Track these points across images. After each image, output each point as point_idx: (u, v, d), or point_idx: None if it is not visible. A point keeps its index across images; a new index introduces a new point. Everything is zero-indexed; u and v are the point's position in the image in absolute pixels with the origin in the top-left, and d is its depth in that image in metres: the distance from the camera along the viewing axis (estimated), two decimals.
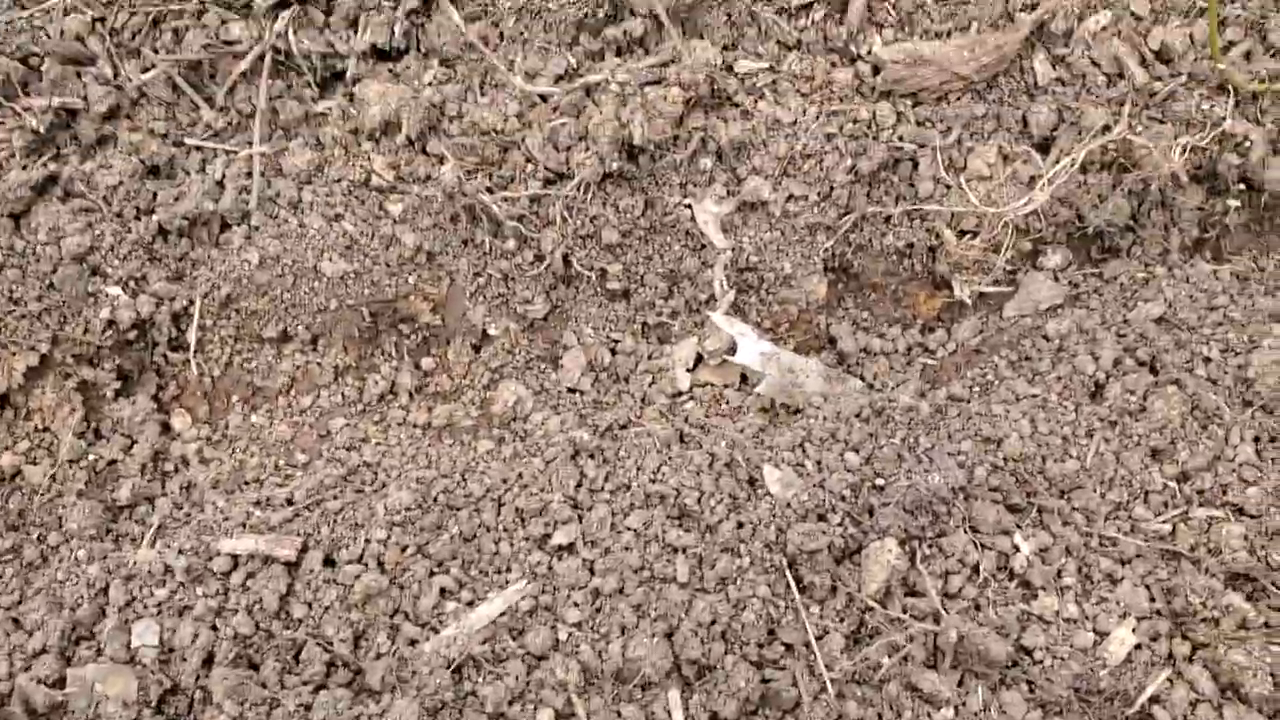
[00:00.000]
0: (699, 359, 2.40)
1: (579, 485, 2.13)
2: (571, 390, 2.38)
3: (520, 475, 2.13)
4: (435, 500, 2.11)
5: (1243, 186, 2.54)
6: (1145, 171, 2.38)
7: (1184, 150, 2.33)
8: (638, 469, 2.16)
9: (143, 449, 2.27)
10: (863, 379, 2.45)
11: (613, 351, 2.42)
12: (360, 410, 2.35)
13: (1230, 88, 2.49)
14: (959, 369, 2.42)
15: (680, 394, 2.37)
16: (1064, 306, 2.47)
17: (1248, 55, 2.53)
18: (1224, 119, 2.48)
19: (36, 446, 2.26)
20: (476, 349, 2.41)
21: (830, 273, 2.48)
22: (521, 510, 2.09)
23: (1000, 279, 2.51)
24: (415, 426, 2.33)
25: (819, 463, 2.15)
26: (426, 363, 2.41)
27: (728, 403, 2.35)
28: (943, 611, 2.00)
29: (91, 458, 2.25)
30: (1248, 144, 2.48)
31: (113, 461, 2.26)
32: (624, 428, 2.27)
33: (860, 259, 2.48)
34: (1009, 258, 2.48)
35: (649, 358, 2.40)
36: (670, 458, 2.17)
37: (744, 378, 2.40)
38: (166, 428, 2.33)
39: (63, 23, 2.37)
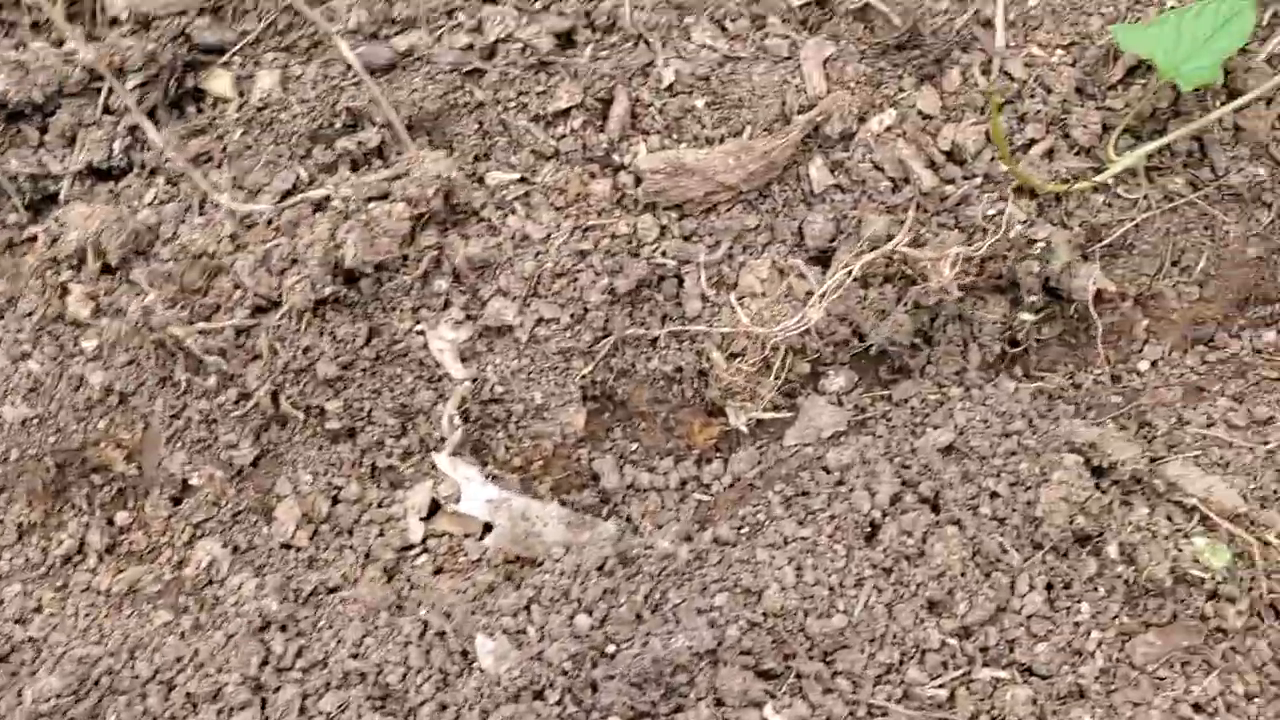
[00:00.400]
0: (436, 505, 2.15)
1: (264, 663, 1.87)
2: (285, 546, 2.12)
3: (197, 652, 1.87)
4: (95, 684, 1.84)
5: (1046, 296, 2.32)
6: (928, 284, 2.16)
7: (955, 263, 2.11)
8: (337, 642, 1.91)
9: None
10: (629, 519, 2.20)
11: (334, 500, 2.16)
12: (42, 574, 2.09)
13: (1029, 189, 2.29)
14: (732, 506, 2.18)
15: (411, 547, 2.11)
16: (849, 433, 2.23)
17: (1050, 153, 2.32)
18: (1023, 223, 2.27)
19: None
20: (177, 501, 2.16)
21: (591, 401, 2.24)
22: (193, 695, 1.82)
23: (780, 404, 2.27)
24: (98, 593, 2.06)
25: (543, 628, 1.89)
26: (121, 518, 2.15)
27: (465, 555, 2.09)
28: None
29: None
30: (1049, 249, 2.26)
31: None
32: (333, 591, 2.02)
33: (624, 385, 2.24)
34: (787, 380, 2.25)
35: (378, 505, 2.15)
36: (377, 628, 1.92)
37: (489, 525, 2.15)
38: None
39: None
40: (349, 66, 2.25)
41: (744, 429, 2.25)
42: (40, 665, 1.91)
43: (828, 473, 2.15)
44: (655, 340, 2.23)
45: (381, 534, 2.11)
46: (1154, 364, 2.40)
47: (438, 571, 2.06)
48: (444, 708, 1.80)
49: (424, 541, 2.11)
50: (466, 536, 2.12)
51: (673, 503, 2.22)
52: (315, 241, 2.05)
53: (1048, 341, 2.39)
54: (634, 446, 2.27)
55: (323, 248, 2.04)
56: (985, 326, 2.29)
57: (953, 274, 2.10)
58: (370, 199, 2.11)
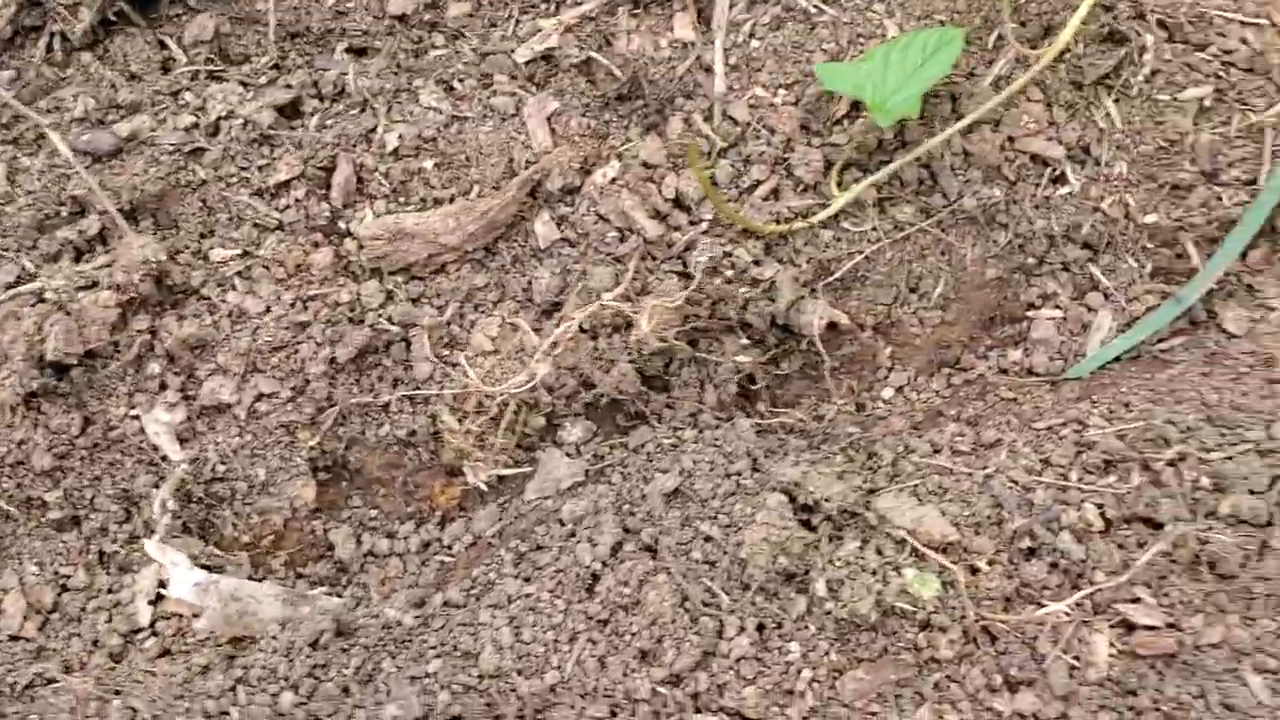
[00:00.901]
0: (164, 588, 2.15)
1: None
2: (14, 638, 2.12)
3: None
4: None
5: (781, 333, 2.35)
6: (643, 332, 2.18)
7: (651, 315, 2.13)
8: None
9: None
10: (366, 587, 2.20)
11: (63, 588, 2.16)
12: None
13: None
14: (469, 566, 2.19)
15: (139, 630, 2.12)
16: (587, 484, 2.25)
17: (775, 193, 2.35)
18: (750, 263, 2.30)
19: None
20: None
21: (324, 472, 2.25)
22: None
23: (520, 459, 2.29)
24: None
25: (246, 709, 1.89)
26: None
27: (193, 635, 2.10)
28: None
29: None
30: (775, 288, 2.29)
31: None
32: (49, 683, 2.02)
33: (357, 453, 2.26)
34: (525, 435, 2.27)
35: (107, 591, 2.15)
36: (86, 718, 1.92)
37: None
38: None
39: None
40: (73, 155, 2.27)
41: (484, 487, 2.26)
42: None
43: (562, 525, 2.16)
44: (386, 406, 2.24)
45: (110, 619, 2.11)
46: (899, 390, 2.43)
47: (163, 654, 2.07)
48: None
49: (152, 625, 2.11)
50: (195, 617, 2.12)
51: (415, 567, 2.23)
52: (19, 336, 2.06)
53: (790, 377, 2.41)
54: (373, 513, 2.28)
55: (26, 342, 2.06)
56: (720, 368, 2.31)
57: (651, 326, 2.12)
58: (81, 288, 2.13)
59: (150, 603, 2.11)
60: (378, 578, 2.20)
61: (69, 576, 2.16)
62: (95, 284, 2.13)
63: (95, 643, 2.09)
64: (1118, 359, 2.40)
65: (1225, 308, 2.40)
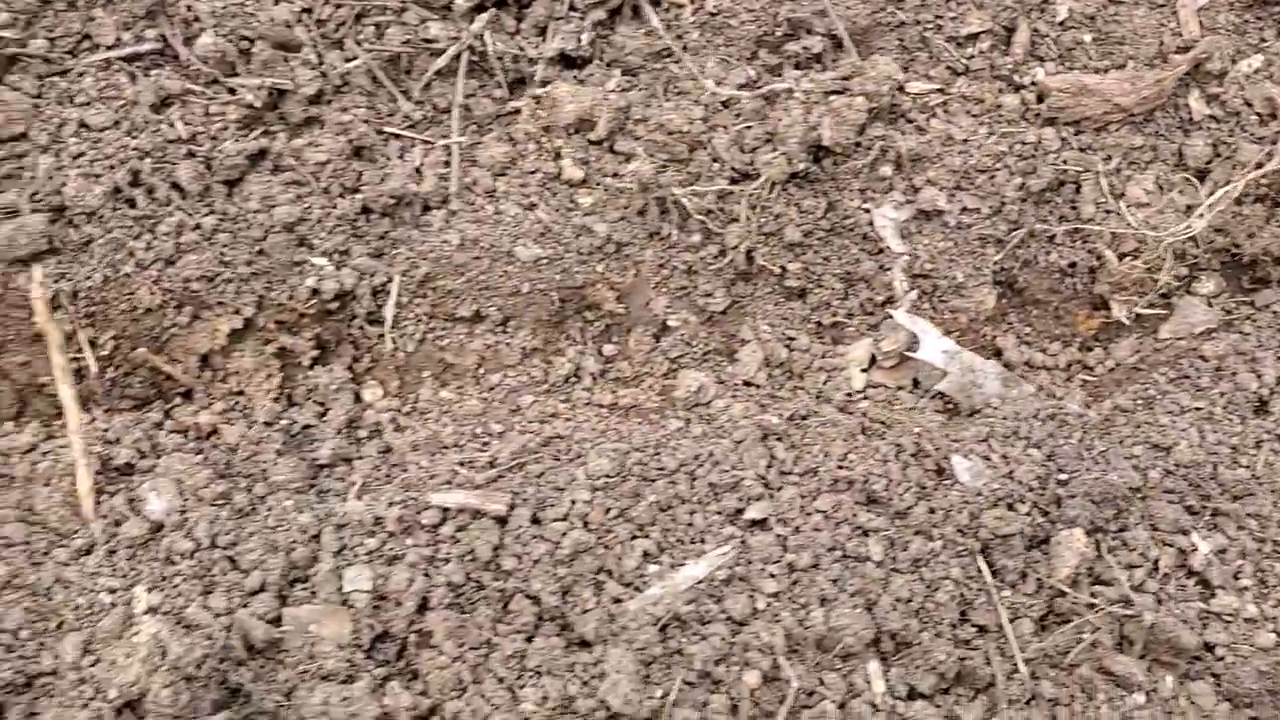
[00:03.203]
0: (873, 360, 2.46)
1: (769, 466, 2.19)
2: (747, 384, 2.43)
3: (711, 453, 2.19)
4: (631, 471, 2.16)
5: None
6: None
7: None
8: (824, 455, 2.22)
9: (337, 415, 2.33)
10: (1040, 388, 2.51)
11: (789, 348, 2.48)
12: (546, 390, 2.41)
13: None
14: (1120, 384, 2.49)
15: (855, 393, 2.43)
16: (1219, 331, 2.54)
17: None
18: None
19: (232, 409, 2.33)
20: (656, 338, 2.48)
21: (998, 285, 2.55)
22: (715, 485, 2.14)
23: (1156, 303, 2.58)
24: (601, 406, 2.39)
25: (1005, 456, 2.21)
26: (608, 349, 2.48)
27: (902, 403, 2.41)
28: (1133, 597, 2.05)
29: (285, 421, 2.32)
30: None
31: (307, 426, 2.33)
32: (806, 418, 2.33)
33: (1025, 275, 2.56)
34: (1165, 282, 2.56)
35: (823, 356, 2.47)
36: (856, 446, 2.24)
37: (915, 382, 2.46)
38: (358, 398, 2.40)
39: (272, 10, 2.48)
40: None
41: (1125, 321, 2.56)
42: (577, 455, 2.22)
43: (1205, 360, 2.47)
44: (1054, 237, 2.54)
45: (828, 380, 2.43)
46: None
47: (884, 413, 2.37)
48: (933, 510, 2.12)
49: (865, 390, 2.42)
50: (899, 388, 2.43)
51: (1061, 380, 2.53)
52: (794, 123, 2.37)
53: None
54: (1028, 329, 2.59)
55: (801, 128, 2.37)
56: None
57: None
58: (828, 93, 2.44)
59: (862, 370, 2.43)
60: (1034, 384, 2.50)
61: (794, 339, 2.47)
62: (841, 91, 2.44)
63: (819, 396, 2.40)
64: None
65: None
